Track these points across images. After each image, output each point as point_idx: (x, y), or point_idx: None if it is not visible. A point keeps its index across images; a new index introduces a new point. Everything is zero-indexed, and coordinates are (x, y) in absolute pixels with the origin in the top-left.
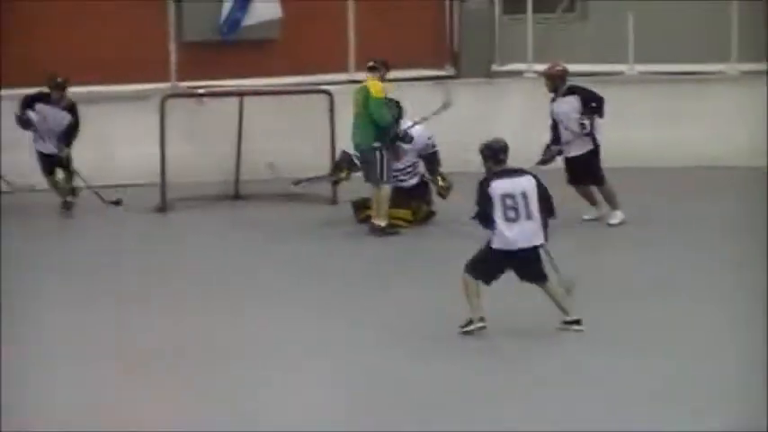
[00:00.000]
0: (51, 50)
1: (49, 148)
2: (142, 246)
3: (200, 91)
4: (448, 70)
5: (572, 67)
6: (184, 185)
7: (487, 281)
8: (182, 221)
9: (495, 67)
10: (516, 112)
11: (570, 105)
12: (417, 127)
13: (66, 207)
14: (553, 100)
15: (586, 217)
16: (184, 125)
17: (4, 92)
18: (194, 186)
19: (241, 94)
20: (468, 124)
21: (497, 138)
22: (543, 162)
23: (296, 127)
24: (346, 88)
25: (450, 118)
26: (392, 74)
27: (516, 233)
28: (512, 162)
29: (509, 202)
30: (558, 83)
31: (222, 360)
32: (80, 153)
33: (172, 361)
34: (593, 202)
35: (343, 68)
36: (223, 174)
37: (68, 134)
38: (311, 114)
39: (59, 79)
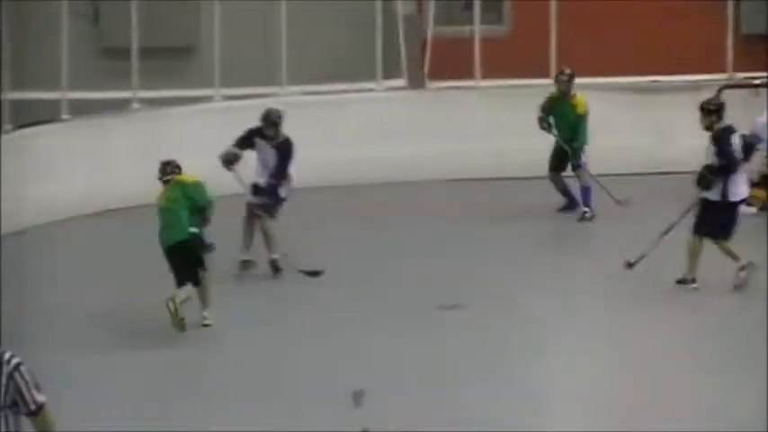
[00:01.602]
0: (613, 43)
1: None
2: None
3: (756, 82)
4: None
5: None
6: None
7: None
8: None
9: None
10: None
11: None
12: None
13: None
14: None
15: None
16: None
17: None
18: None
19: None
20: None
21: (713, 97)
22: None
23: None
24: None
25: None
26: None
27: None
28: None
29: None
30: None
31: None
32: (641, 140)
33: None
34: None
35: None
36: None
37: (276, 175)
38: None
39: (276, 117)
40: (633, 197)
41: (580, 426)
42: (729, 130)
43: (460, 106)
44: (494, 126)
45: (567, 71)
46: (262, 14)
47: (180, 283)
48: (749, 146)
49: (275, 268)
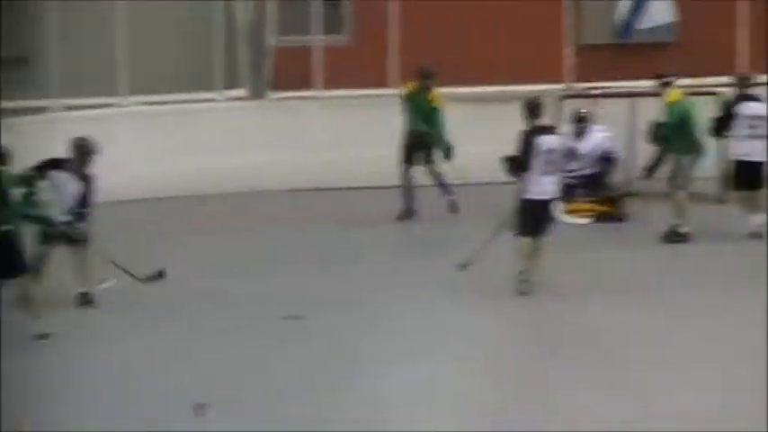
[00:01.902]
0: (455, 53)
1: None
2: None
3: (595, 92)
4: None
5: None
6: None
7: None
8: None
9: None
10: None
11: None
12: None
13: (85, 301)
14: None
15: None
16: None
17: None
18: None
19: (633, 95)
20: None
21: (533, 95)
22: None
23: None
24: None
25: None
26: None
27: (546, 184)
28: None
29: (551, 156)
30: None
31: None
32: (473, 149)
33: None
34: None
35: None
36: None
37: (81, 205)
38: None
39: (89, 146)
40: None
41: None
42: (539, 131)
43: (302, 116)
44: (336, 136)
45: (431, 69)
46: (101, 24)
47: None
48: (570, 152)
49: (85, 301)
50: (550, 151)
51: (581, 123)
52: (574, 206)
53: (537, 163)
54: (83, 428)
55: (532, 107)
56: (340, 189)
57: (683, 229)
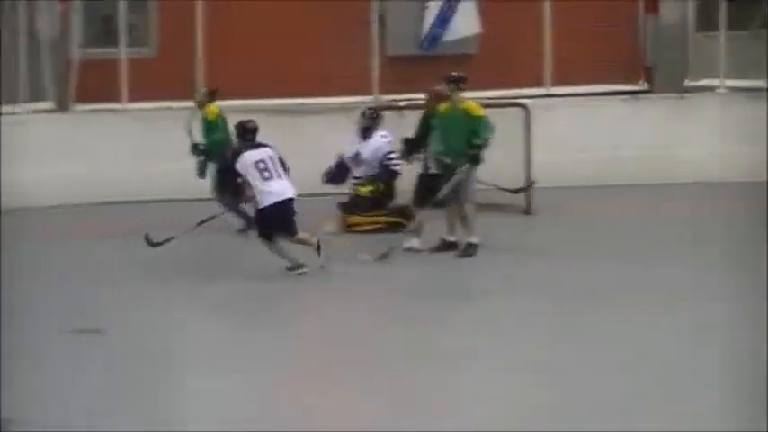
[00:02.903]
0: (262, 65)
1: None
2: None
3: (401, 104)
4: (641, 85)
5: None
6: None
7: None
8: None
9: (687, 83)
10: (708, 126)
11: None
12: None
13: None
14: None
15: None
16: None
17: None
18: None
19: None
20: (661, 138)
21: (250, 119)
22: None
23: (494, 139)
24: (543, 102)
25: (643, 132)
26: (587, 88)
27: (274, 187)
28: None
29: (261, 165)
30: None
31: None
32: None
33: None
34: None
35: (539, 83)
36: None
37: None
38: (508, 127)
39: None
40: None
41: None
42: (244, 148)
43: (107, 129)
44: (140, 149)
45: (204, 89)
46: None
47: None
48: (355, 157)
49: None
50: (259, 161)
51: (367, 127)
52: (356, 219)
53: (253, 175)
54: None
55: (239, 130)
56: (143, 202)
57: (473, 241)
